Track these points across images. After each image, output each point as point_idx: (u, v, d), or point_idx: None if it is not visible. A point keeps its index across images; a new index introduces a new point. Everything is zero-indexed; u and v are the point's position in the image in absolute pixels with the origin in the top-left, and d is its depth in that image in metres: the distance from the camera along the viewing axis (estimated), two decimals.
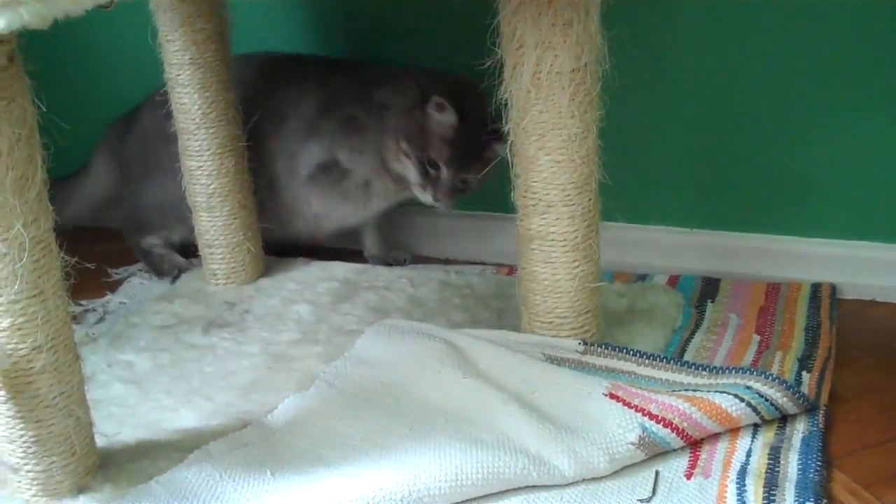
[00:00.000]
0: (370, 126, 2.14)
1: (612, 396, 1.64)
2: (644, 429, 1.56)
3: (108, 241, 2.47)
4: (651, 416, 1.58)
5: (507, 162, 1.75)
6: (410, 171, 2.10)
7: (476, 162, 2.07)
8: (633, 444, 1.55)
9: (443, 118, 2.05)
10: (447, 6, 2.16)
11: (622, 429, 1.57)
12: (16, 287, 1.42)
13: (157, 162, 2.24)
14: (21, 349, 1.46)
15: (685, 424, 1.57)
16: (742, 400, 1.59)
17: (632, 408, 1.61)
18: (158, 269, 2.30)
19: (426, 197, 2.11)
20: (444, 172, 2.07)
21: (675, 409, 1.58)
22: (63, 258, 1.49)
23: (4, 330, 1.45)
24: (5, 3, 1.14)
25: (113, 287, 2.29)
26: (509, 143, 1.72)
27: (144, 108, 2.30)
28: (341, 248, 2.35)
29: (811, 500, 1.45)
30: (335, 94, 2.18)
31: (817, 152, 2.05)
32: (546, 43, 1.63)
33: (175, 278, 2.26)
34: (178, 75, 2.07)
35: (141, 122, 2.31)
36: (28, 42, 1.38)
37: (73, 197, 2.44)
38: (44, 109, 1.42)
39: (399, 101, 2.10)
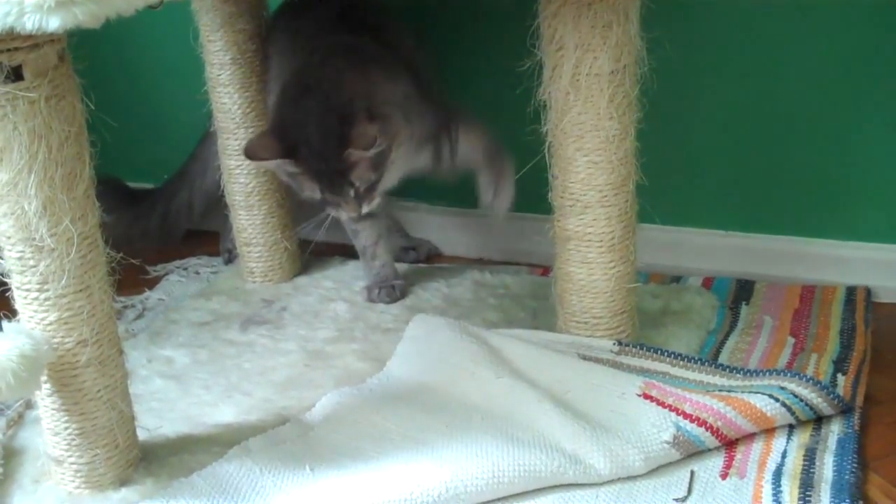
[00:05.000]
0: None
1: (645, 396, 1.65)
2: (678, 428, 1.57)
3: None
4: (685, 416, 1.59)
5: (544, 162, 1.76)
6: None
7: (347, 175, 1.79)
8: (667, 442, 1.56)
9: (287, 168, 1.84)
10: (487, 8, 2.18)
11: (656, 428, 1.58)
12: (63, 282, 1.45)
13: None
14: (67, 343, 1.49)
15: (720, 423, 1.58)
16: (777, 400, 1.60)
17: (666, 407, 1.62)
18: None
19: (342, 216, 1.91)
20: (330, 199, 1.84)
21: (709, 409, 1.59)
22: (108, 253, 1.52)
23: (51, 324, 1.47)
24: (60, 3, 1.16)
25: (151, 284, 2.31)
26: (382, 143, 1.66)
27: None
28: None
29: (847, 501, 1.46)
30: None
31: (853, 155, 2.05)
32: (585, 45, 1.64)
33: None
34: (219, 75, 2.09)
35: None
36: (77, 41, 1.41)
37: None
38: (92, 107, 1.45)
39: None
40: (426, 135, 1.92)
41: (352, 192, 1.78)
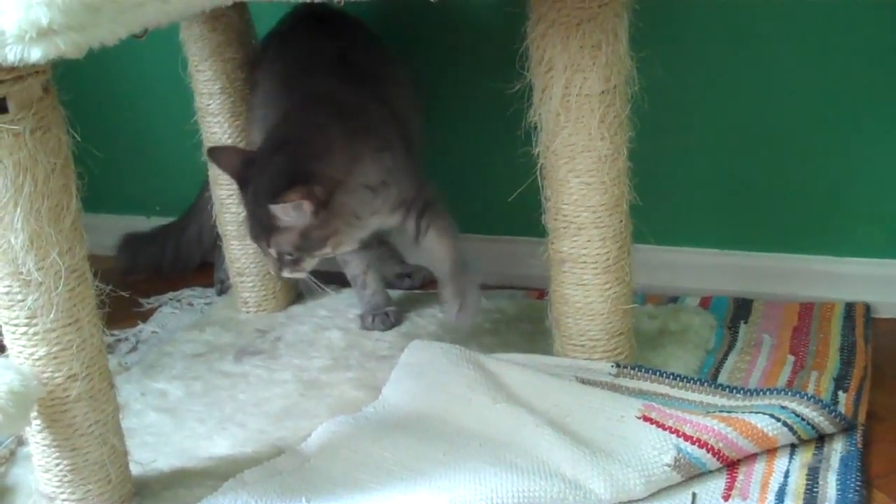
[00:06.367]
0: None
1: (645, 419, 1.64)
2: (679, 450, 1.55)
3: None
4: (686, 438, 1.57)
5: (536, 185, 1.75)
6: None
7: (268, 233, 1.79)
8: (668, 465, 1.54)
9: None
10: (475, 31, 2.17)
11: (657, 451, 1.56)
12: (51, 315, 1.43)
13: None
14: (56, 378, 1.47)
15: (721, 445, 1.56)
16: (778, 420, 1.58)
17: (666, 429, 1.60)
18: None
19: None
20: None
21: (710, 430, 1.57)
22: (97, 286, 1.50)
23: (40, 359, 1.46)
24: (42, 34, 1.15)
25: (144, 317, 2.30)
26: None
27: None
28: None
29: None
30: None
31: (849, 171, 2.04)
32: (575, 65, 1.64)
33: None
34: (209, 104, 2.09)
35: None
36: (63, 72, 1.40)
37: None
38: (78, 139, 1.43)
39: None
40: (399, 202, 1.90)
41: (273, 252, 1.80)
